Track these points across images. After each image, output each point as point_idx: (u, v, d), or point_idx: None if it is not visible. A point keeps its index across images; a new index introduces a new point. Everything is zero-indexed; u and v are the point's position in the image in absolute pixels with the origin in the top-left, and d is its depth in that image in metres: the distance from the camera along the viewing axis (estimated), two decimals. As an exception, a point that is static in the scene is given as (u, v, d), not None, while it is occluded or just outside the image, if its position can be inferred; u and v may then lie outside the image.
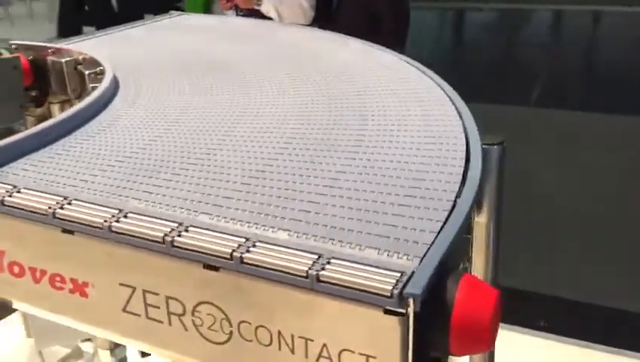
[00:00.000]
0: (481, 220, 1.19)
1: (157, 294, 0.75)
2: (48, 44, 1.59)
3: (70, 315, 0.83)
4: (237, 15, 3.17)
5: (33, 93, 1.62)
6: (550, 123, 4.92)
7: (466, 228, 0.80)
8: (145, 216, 0.76)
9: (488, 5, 9.35)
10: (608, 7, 8.63)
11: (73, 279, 0.80)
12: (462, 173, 0.89)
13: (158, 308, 0.75)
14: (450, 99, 1.23)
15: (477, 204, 1.17)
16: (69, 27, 7.35)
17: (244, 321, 0.70)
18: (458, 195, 0.82)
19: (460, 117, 1.13)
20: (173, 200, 0.81)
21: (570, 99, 5.68)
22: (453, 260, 0.71)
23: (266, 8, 3.00)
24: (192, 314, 0.73)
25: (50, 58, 1.55)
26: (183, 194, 0.82)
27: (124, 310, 0.78)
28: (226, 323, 0.71)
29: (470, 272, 1.26)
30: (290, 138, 1.01)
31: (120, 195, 0.82)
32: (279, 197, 0.81)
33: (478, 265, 1.24)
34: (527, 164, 4.10)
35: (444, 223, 0.74)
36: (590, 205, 3.64)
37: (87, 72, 1.42)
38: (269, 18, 3.03)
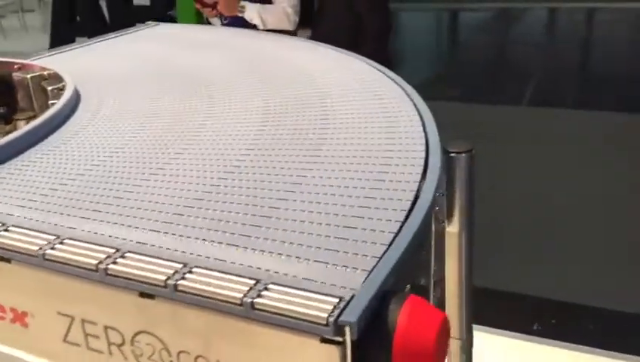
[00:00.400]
0: (453, 230, 1.16)
1: (95, 324, 0.71)
2: (14, 60, 1.56)
3: (12, 345, 0.80)
4: (222, 22, 3.15)
5: (0, 110, 1.59)
6: (543, 122, 4.88)
7: (418, 246, 0.77)
8: (81, 242, 0.73)
9: (482, 5, 9.32)
10: (602, 3, 8.60)
11: (13, 308, 0.77)
12: (416, 189, 0.85)
13: (98, 337, 0.72)
14: (414, 104, 1.20)
15: (448, 214, 1.15)
16: (61, 38, 7.37)
17: (183, 351, 0.67)
18: (408, 215, 0.78)
19: (424, 128, 1.10)
20: (112, 225, 0.77)
21: (563, 98, 5.64)
22: (398, 283, 0.67)
23: (249, 15, 2.98)
24: (132, 344, 0.70)
25: (15, 74, 1.52)
26: (122, 219, 0.79)
27: (64, 340, 0.75)
28: (165, 353, 0.68)
29: (444, 282, 1.23)
30: (248, 151, 0.98)
31: (59, 221, 0.79)
32: (221, 220, 0.77)
33: (452, 275, 1.21)
34: (518, 164, 4.07)
35: (389, 246, 0.70)
36: (587, 205, 3.60)
37: (49, 88, 1.38)
38: (254, 25, 3.01)
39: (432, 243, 1.13)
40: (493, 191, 3.57)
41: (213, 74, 1.45)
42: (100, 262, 0.69)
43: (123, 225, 0.78)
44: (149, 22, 2.14)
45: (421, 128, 1.10)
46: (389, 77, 1.37)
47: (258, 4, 2.99)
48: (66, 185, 0.89)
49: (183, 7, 5.62)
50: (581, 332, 2.67)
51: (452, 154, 1.10)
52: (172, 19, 6.36)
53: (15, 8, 9.66)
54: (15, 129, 1.58)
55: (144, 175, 0.91)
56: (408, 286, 0.72)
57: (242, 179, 0.88)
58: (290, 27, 3.09)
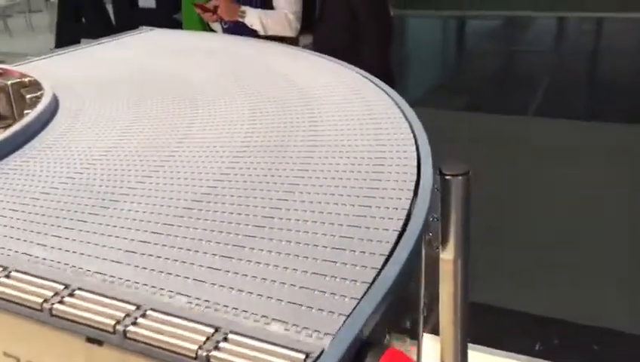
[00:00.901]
0: (447, 256, 1.09)
1: (42, 366, 0.65)
2: (-4, 66, 1.50)
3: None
4: (222, 28, 3.10)
5: (-19, 118, 1.53)
6: (550, 132, 4.80)
7: (405, 281, 0.70)
8: (29, 276, 0.66)
9: (489, 13, 9.25)
10: (611, 13, 8.50)
11: (-42, 346, 0.70)
12: (405, 216, 0.78)
13: (46, 381, 0.65)
14: (408, 121, 1.13)
15: (442, 240, 1.08)
16: (67, 39, 7.34)
17: (135, 402, 0.60)
18: (395, 246, 0.71)
19: (417, 150, 1.03)
20: (70, 253, 0.71)
21: (571, 108, 5.56)
22: (379, 328, 0.60)
23: (250, 20, 2.92)
24: (81, 391, 0.63)
25: (-5, 80, 1.46)
26: (83, 246, 0.72)
27: (11, 382, 0.68)
28: (117, 403, 0.61)
29: (438, 312, 1.16)
30: (228, 170, 0.91)
31: (13, 246, 0.72)
32: (189, 250, 0.70)
33: (446, 303, 1.14)
34: (523, 176, 3.99)
35: (371, 284, 0.63)
36: (594, 220, 3.51)
37: (28, 96, 1.32)
38: (254, 31, 2.95)
39: (423, 270, 1.05)
40: (497, 202, 3.50)
41: (197, 82, 1.38)
42: (46, 301, 0.62)
43: (83, 254, 0.71)
44: (143, 27, 2.08)
45: (414, 148, 1.04)
46: (382, 90, 1.30)
47: (259, 10, 2.93)
48: (27, 205, 0.82)
49: (188, 10, 5.56)
50: (585, 352, 2.59)
51: (447, 177, 1.03)
52: (177, 23, 6.32)
53: (22, 9, 9.66)
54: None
55: (114, 194, 0.84)
56: (387, 336, 0.65)
57: (218, 202, 0.81)
58: (291, 33, 3.03)
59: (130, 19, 6.71)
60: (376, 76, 2.73)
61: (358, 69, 1.48)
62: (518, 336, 2.63)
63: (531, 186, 3.88)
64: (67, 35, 7.28)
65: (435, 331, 1.17)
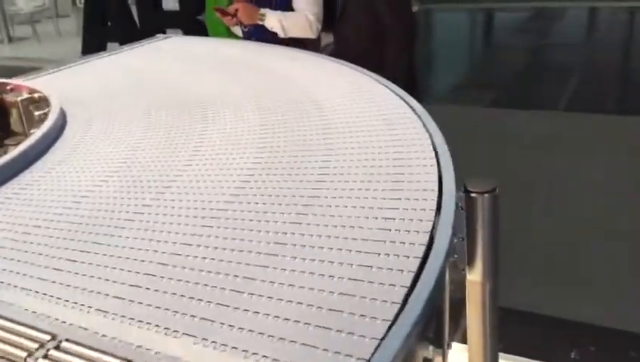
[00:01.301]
0: (474, 278, 1.02)
1: None
2: (5, 81, 1.47)
3: None
4: (242, 31, 3.05)
5: (-5, 133, 1.50)
6: (582, 128, 4.66)
7: (427, 316, 0.63)
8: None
9: (518, 5, 9.06)
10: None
11: None
12: (426, 243, 0.72)
13: None
14: (428, 132, 1.06)
15: (469, 261, 1.00)
16: (93, 43, 7.39)
17: None
18: (417, 278, 0.65)
19: (438, 164, 0.96)
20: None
21: (603, 103, 5.40)
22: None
23: (270, 23, 2.86)
24: None
25: (6, 96, 1.43)
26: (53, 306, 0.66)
27: None
28: None
29: (464, 323, 1.09)
30: (227, 203, 0.86)
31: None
32: (183, 296, 0.65)
33: (474, 327, 1.07)
34: (555, 174, 3.87)
35: (393, 322, 0.58)
36: (631, 222, 3.38)
37: (36, 113, 1.29)
38: (274, 33, 2.89)
39: (447, 294, 0.99)
40: (527, 200, 3.40)
41: (208, 94, 1.33)
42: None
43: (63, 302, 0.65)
44: (159, 35, 2.04)
45: (434, 161, 0.97)
46: (402, 99, 1.23)
47: (279, 12, 2.87)
48: (16, 241, 0.77)
49: (212, 12, 5.54)
50: (623, 360, 2.49)
51: (473, 194, 0.96)
52: (201, 24, 6.31)
53: (50, 14, 9.76)
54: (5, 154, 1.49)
55: (110, 227, 0.79)
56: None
57: (218, 236, 0.76)
58: (312, 35, 2.97)
59: (154, 22, 6.72)
60: (399, 76, 2.66)
61: (379, 77, 1.41)
62: (551, 344, 2.54)
63: (562, 183, 3.76)
64: (93, 40, 7.33)
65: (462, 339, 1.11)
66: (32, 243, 0.77)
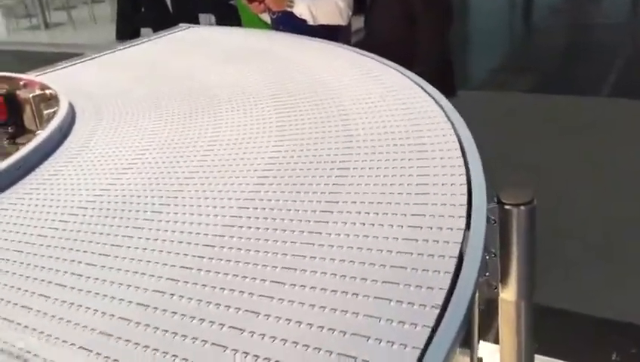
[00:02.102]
0: (508, 297, 0.93)
1: None
2: (21, 76, 1.43)
3: None
4: (270, 18, 2.96)
5: (10, 130, 1.46)
6: (627, 115, 4.46)
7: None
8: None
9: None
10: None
11: None
12: (455, 263, 0.64)
13: None
14: (457, 135, 0.97)
15: (502, 278, 0.92)
16: (126, 29, 7.40)
17: None
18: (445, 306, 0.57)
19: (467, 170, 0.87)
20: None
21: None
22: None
23: (298, 10, 2.78)
24: None
25: (19, 92, 1.39)
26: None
27: None
28: None
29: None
30: (240, 211, 0.78)
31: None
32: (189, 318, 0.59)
33: (508, 347, 0.98)
34: (599, 165, 3.71)
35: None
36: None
37: (45, 112, 1.23)
38: (303, 20, 2.80)
39: (477, 314, 0.90)
40: (570, 192, 3.26)
41: (228, 91, 1.26)
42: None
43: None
44: (182, 24, 1.97)
45: (463, 170, 0.88)
46: (434, 99, 1.14)
47: (308, -2, 2.78)
48: (8, 260, 0.72)
49: (243, -4, 5.46)
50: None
51: (507, 207, 0.87)
52: (233, 9, 6.24)
53: None
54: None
55: (106, 245, 0.73)
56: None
57: (223, 259, 0.69)
58: (342, 22, 2.88)
59: (186, 7, 6.67)
60: (434, 64, 2.53)
61: (410, 74, 1.31)
62: (591, 345, 2.42)
63: (606, 175, 3.60)
64: (127, 26, 7.34)
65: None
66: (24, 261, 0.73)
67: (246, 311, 0.60)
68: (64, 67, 1.59)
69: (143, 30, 7.02)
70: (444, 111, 1.05)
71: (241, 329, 0.57)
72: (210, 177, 0.90)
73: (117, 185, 0.89)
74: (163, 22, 4.64)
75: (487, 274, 0.90)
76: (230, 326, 0.58)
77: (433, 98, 1.12)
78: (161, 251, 0.72)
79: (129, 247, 0.74)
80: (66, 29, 9.04)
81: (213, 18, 6.51)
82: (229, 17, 5.90)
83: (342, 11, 2.77)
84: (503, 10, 8.91)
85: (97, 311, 0.63)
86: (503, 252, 0.89)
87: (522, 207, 0.87)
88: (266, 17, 3.02)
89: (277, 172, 0.90)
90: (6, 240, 0.78)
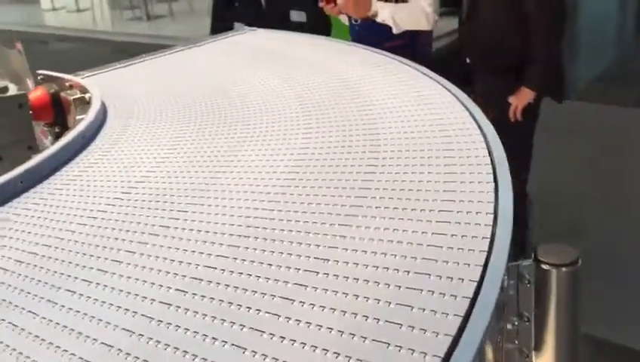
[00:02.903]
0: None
1: None
2: (67, 77, 1.41)
3: None
4: (350, 23, 2.87)
5: (56, 130, 1.46)
6: None
7: None
8: None
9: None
10: None
11: None
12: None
13: None
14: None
15: (536, 346, 0.79)
16: (220, 24, 7.51)
17: None
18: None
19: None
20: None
21: None
22: None
23: (382, 17, 2.67)
24: None
25: (62, 94, 1.37)
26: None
27: None
28: None
29: None
30: (264, 212, 0.80)
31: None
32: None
33: None
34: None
35: None
36: None
37: (77, 117, 1.21)
38: (386, 26, 2.70)
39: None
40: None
41: (266, 100, 1.21)
42: None
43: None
44: (245, 27, 1.92)
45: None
46: (465, 108, 1.04)
47: (391, 4, 2.66)
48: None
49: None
50: None
51: (545, 266, 0.74)
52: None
53: (185, -9, 10.06)
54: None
55: (132, 242, 0.77)
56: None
57: (246, 260, 0.71)
58: (428, 27, 2.74)
59: (278, 4, 6.69)
60: (547, 70, 2.31)
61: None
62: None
63: None
64: (221, 19, 7.44)
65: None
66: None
67: (267, 312, 0.61)
68: (116, 68, 1.58)
69: (237, 25, 7.11)
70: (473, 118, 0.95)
71: (261, 332, 0.58)
72: (238, 177, 0.92)
73: (145, 181, 0.92)
74: (256, 17, 4.65)
75: (516, 342, 0.77)
76: (250, 328, 0.59)
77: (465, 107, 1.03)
78: (185, 250, 0.73)
79: (154, 245, 0.75)
80: (167, 21, 9.31)
81: (304, 15, 6.48)
82: (321, 15, 5.85)
83: (428, 17, 2.64)
84: (611, 9, 8.34)
85: (120, 307, 0.64)
86: (538, 317, 0.77)
87: (564, 269, 0.74)
88: (345, 19, 2.94)
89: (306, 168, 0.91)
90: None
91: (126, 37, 8.21)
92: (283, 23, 5.90)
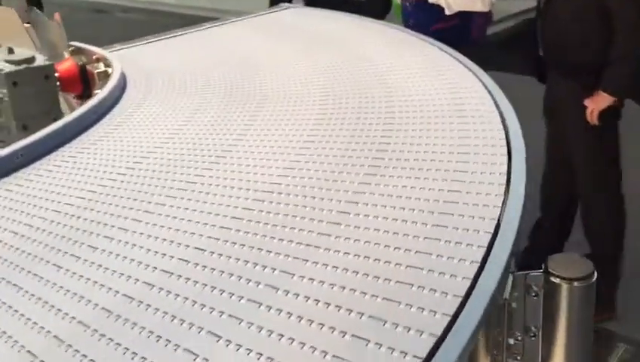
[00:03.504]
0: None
1: None
2: (95, 49, 1.40)
3: None
4: (402, 2, 2.78)
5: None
6: None
7: None
8: None
9: None
10: None
11: None
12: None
13: None
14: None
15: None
16: (278, -2, 7.48)
17: None
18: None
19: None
20: None
21: None
22: None
23: (434, -3, 2.57)
24: None
25: (89, 67, 1.36)
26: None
27: None
28: None
29: None
30: (272, 186, 0.80)
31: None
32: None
33: None
34: None
35: None
36: None
37: (95, 92, 1.20)
38: (438, 6, 2.60)
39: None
40: None
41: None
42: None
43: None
44: (283, 3, 1.87)
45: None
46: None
47: (442, -17, 2.56)
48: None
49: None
50: None
51: (555, 279, 0.67)
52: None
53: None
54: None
55: (139, 211, 0.78)
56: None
57: (250, 232, 0.71)
58: (483, 8, 2.64)
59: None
60: (623, 78, 2.08)
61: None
62: None
63: None
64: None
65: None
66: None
67: (266, 285, 0.60)
68: (152, 41, 1.57)
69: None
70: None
71: (258, 303, 0.57)
72: (248, 151, 0.92)
73: (158, 151, 0.94)
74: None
75: (517, 357, 0.71)
76: (248, 299, 0.58)
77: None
78: (190, 221, 0.74)
79: (160, 214, 0.76)
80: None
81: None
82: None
83: (483, -3, 2.53)
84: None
85: (123, 274, 0.64)
86: (546, 333, 0.70)
87: (576, 283, 0.67)
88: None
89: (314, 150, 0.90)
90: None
91: (191, 10, 8.27)
92: (342, 1, 5.78)
